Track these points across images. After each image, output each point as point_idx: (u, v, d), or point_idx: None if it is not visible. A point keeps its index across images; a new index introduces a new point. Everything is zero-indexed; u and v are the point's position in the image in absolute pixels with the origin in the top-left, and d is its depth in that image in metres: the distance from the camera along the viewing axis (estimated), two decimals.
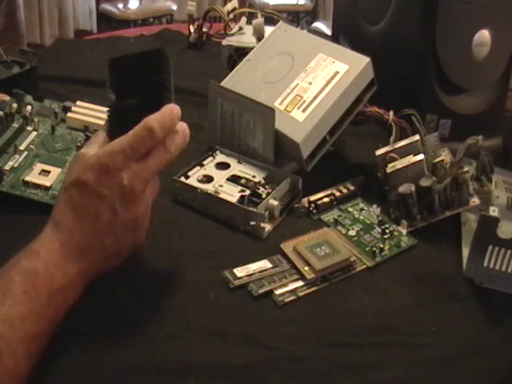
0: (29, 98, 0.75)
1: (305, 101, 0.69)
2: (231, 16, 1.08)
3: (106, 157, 0.48)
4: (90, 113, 0.74)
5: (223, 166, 0.70)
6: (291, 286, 0.55)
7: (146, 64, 0.52)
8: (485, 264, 0.56)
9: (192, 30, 1.16)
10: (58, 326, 0.46)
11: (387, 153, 0.66)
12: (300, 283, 0.56)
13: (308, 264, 0.57)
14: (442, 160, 0.64)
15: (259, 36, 0.90)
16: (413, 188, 0.62)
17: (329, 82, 0.69)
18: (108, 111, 0.51)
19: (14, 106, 0.71)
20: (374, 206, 0.67)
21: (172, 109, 0.50)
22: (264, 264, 0.57)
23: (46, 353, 0.45)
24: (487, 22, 0.72)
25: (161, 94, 0.51)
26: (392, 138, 0.68)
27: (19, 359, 0.42)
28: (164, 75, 0.52)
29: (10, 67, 0.81)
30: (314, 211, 0.66)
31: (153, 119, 0.49)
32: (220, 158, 0.72)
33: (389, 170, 0.65)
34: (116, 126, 0.51)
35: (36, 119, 0.72)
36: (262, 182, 0.67)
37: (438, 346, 0.51)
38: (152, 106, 0.50)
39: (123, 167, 0.48)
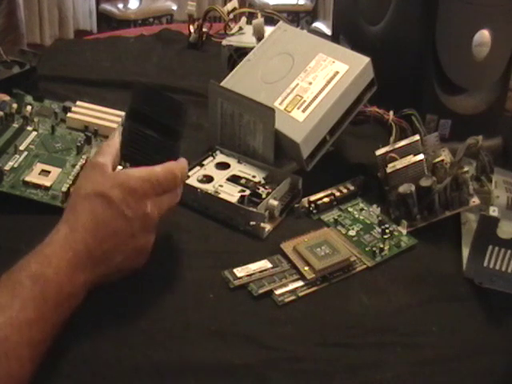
0: (29, 98, 0.75)
1: (305, 101, 0.69)
2: (231, 16, 1.08)
3: (137, 181, 0.51)
4: (90, 113, 0.74)
5: (223, 165, 0.70)
6: (291, 286, 0.55)
7: (172, 109, 0.56)
8: (485, 264, 0.56)
9: (192, 30, 1.16)
10: (61, 330, 0.46)
11: (387, 153, 0.66)
12: (300, 283, 0.56)
13: (308, 264, 0.57)
14: (442, 160, 0.64)
15: (259, 36, 0.90)
16: (413, 188, 0.62)
17: (329, 82, 0.69)
18: (123, 129, 0.54)
19: (14, 106, 0.71)
20: (374, 206, 0.67)
21: (186, 163, 0.56)
22: (264, 264, 0.57)
23: (47, 354, 0.45)
24: (487, 22, 0.72)
25: (176, 144, 0.56)
26: (392, 138, 0.68)
27: (25, 363, 0.43)
28: (183, 128, 0.56)
29: (10, 67, 0.81)
30: (314, 211, 0.66)
31: (178, 168, 0.54)
32: (220, 157, 0.72)
33: (389, 170, 0.65)
34: (130, 148, 0.53)
35: (36, 119, 0.72)
36: (262, 181, 0.67)
37: (438, 346, 0.51)
38: (164, 149, 0.54)
39: (148, 196, 0.51)
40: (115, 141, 0.54)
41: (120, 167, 0.54)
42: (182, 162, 0.55)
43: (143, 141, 0.54)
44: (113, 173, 0.52)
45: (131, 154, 0.53)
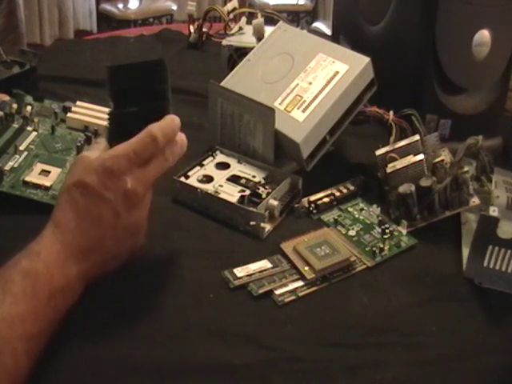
0: (29, 99, 0.75)
1: (305, 101, 0.69)
2: (231, 16, 1.08)
3: (110, 160, 0.49)
4: (90, 113, 0.74)
5: (223, 165, 0.70)
6: (291, 286, 0.55)
7: (147, 73, 0.53)
8: (485, 264, 0.56)
9: (192, 30, 1.16)
10: (58, 326, 0.46)
11: (387, 153, 0.66)
12: (300, 283, 0.56)
13: (308, 264, 0.57)
14: (442, 160, 0.64)
15: (259, 36, 0.90)
16: (413, 188, 0.62)
17: (329, 82, 0.69)
18: (108, 118, 0.52)
19: (14, 106, 0.71)
20: (374, 205, 0.67)
21: (173, 119, 0.52)
22: (264, 264, 0.57)
23: (45, 352, 0.45)
24: (487, 22, 0.72)
25: (160, 104, 0.52)
26: (392, 138, 0.68)
27: (19, 358, 0.42)
28: (164, 85, 0.53)
29: (10, 67, 0.81)
30: (314, 211, 0.66)
31: (156, 127, 0.50)
32: (220, 157, 0.72)
33: (389, 170, 0.65)
34: (115, 133, 0.52)
35: (36, 119, 0.72)
36: (262, 181, 0.67)
37: (438, 346, 0.51)
38: (151, 115, 0.51)
39: (127, 171, 0.49)
40: (100, 144, 0.53)
41: None
42: (165, 120, 0.51)
43: (123, 121, 0.52)
44: (90, 160, 0.50)
45: (116, 139, 0.51)
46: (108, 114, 0.52)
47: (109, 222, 0.49)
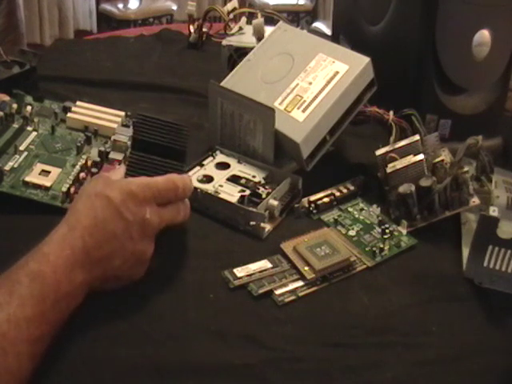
0: (29, 99, 0.75)
1: (305, 101, 0.69)
2: (231, 16, 1.08)
3: (137, 186, 0.51)
4: (90, 113, 0.74)
5: (223, 165, 0.70)
6: (291, 286, 0.55)
7: (173, 132, 0.57)
8: (485, 264, 0.56)
9: (192, 30, 1.16)
10: (60, 330, 0.46)
11: (387, 153, 0.66)
12: (300, 283, 0.56)
13: (308, 264, 0.57)
14: (442, 160, 0.64)
15: (259, 36, 0.90)
16: (413, 188, 0.62)
17: (329, 82, 0.69)
18: (130, 156, 0.56)
19: (14, 106, 0.71)
20: (374, 205, 0.67)
21: (190, 179, 0.57)
22: (264, 264, 0.57)
23: (46, 353, 0.45)
24: (487, 22, 0.72)
25: (179, 162, 0.57)
26: (392, 138, 0.68)
27: (23, 360, 0.43)
28: (185, 148, 0.58)
29: (10, 67, 0.81)
30: (314, 211, 0.66)
31: (179, 178, 0.54)
32: (220, 157, 0.72)
33: (389, 170, 0.65)
34: (134, 172, 0.55)
35: (36, 119, 0.72)
36: (262, 181, 0.67)
37: (438, 346, 0.51)
38: (168, 168, 0.55)
39: (148, 202, 0.51)
40: (120, 170, 0.56)
41: None
42: (185, 176, 0.56)
43: (146, 164, 0.55)
44: (114, 179, 0.52)
45: (135, 175, 0.54)
46: (130, 154, 0.56)
47: (122, 240, 0.50)
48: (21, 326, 0.43)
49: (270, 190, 0.65)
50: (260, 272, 0.56)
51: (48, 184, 0.64)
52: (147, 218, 0.51)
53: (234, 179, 0.67)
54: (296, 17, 3.31)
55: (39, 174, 0.65)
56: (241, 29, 0.97)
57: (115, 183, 0.51)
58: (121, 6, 3.09)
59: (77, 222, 0.49)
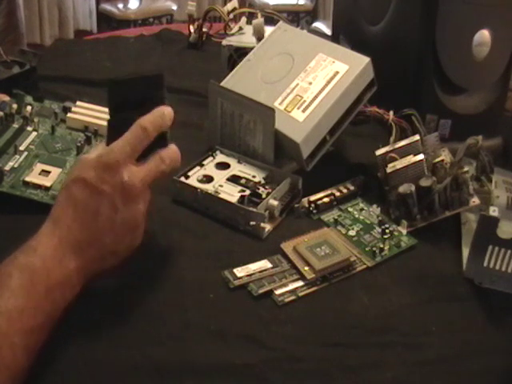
0: (29, 99, 0.75)
1: (305, 101, 0.69)
2: (231, 16, 1.08)
3: (106, 155, 0.50)
4: (90, 113, 0.74)
5: (223, 165, 0.70)
6: (291, 286, 0.55)
7: (145, 85, 0.54)
8: (485, 264, 0.56)
9: (192, 30, 1.16)
10: (56, 322, 0.46)
11: (387, 153, 0.66)
12: (300, 283, 0.56)
13: (308, 264, 0.57)
14: (442, 160, 0.64)
15: (259, 36, 0.90)
16: (413, 188, 0.62)
17: (329, 82, 0.69)
18: (107, 125, 0.53)
19: (14, 106, 0.72)
20: (374, 205, 0.67)
21: (162, 109, 0.53)
22: (264, 264, 0.57)
23: (45, 352, 0.45)
24: (487, 22, 0.72)
25: (157, 93, 0.54)
26: (392, 138, 0.68)
27: (17, 352, 0.43)
28: (162, 93, 0.55)
29: (10, 67, 0.81)
30: (314, 211, 0.66)
31: (144, 119, 0.52)
32: (220, 157, 0.72)
33: (389, 170, 0.65)
34: (114, 137, 0.52)
35: (36, 119, 0.72)
36: (262, 181, 0.67)
37: (438, 346, 0.51)
38: (151, 104, 0.53)
39: (123, 164, 0.50)
40: (99, 146, 0.53)
41: None
42: (154, 111, 0.53)
43: (121, 124, 0.52)
44: (88, 158, 0.51)
45: (114, 141, 0.52)
46: (107, 122, 0.54)
47: (106, 215, 0.49)
48: (13, 317, 0.43)
49: (269, 190, 0.65)
50: (260, 272, 0.56)
51: (48, 184, 0.64)
52: (125, 180, 0.49)
53: (234, 179, 0.67)
54: (296, 17, 3.31)
55: (39, 174, 0.65)
56: (241, 29, 0.97)
57: (88, 162, 0.50)
58: (121, 6, 3.09)
59: (60, 212, 0.49)
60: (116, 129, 0.52)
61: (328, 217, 0.65)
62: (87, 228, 0.49)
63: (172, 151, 0.54)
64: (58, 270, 0.47)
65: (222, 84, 0.75)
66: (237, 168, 0.70)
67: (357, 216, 0.66)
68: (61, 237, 0.48)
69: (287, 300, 0.54)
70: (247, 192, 0.65)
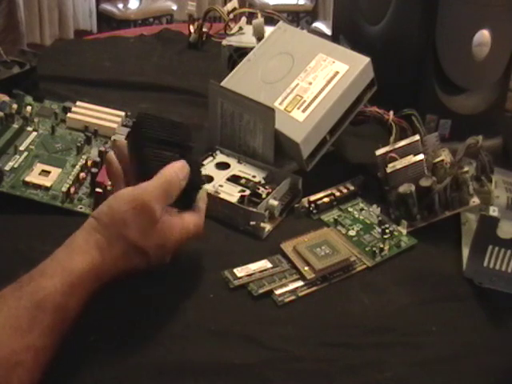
0: (29, 99, 0.75)
1: (305, 101, 0.69)
2: (231, 16, 1.08)
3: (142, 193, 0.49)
4: (90, 113, 0.74)
5: (223, 165, 0.70)
6: (291, 286, 0.55)
7: (178, 129, 0.56)
8: (485, 264, 0.56)
9: (192, 30, 1.16)
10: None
11: (387, 153, 0.66)
12: (300, 283, 0.56)
13: (308, 264, 0.57)
14: (442, 160, 0.64)
15: (259, 36, 0.90)
16: (413, 188, 0.62)
17: (329, 82, 0.69)
18: (143, 153, 0.53)
19: (14, 106, 0.72)
20: (374, 206, 0.67)
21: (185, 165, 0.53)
22: (264, 264, 0.57)
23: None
24: (487, 22, 0.72)
25: (187, 155, 0.54)
26: (392, 138, 0.68)
27: (34, 372, 0.42)
28: (191, 143, 0.56)
29: (10, 67, 0.81)
30: (314, 211, 0.66)
31: (170, 168, 0.51)
32: (220, 157, 0.72)
33: (389, 170, 0.65)
34: (153, 169, 0.52)
35: (36, 120, 0.72)
36: (262, 182, 0.67)
37: (438, 346, 0.51)
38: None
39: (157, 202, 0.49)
40: (123, 191, 0.51)
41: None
42: (178, 163, 0.53)
43: (164, 161, 0.52)
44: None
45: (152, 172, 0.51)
46: (139, 152, 0.53)
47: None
48: (39, 355, 0.43)
49: (269, 190, 0.65)
50: (260, 272, 0.56)
51: (48, 184, 0.64)
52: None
53: (234, 179, 0.67)
54: (296, 17, 3.30)
55: (39, 174, 0.65)
56: (241, 29, 0.97)
57: (132, 223, 0.49)
58: (121, 6, 3.09)
59: (107, 258, 0.48)
60: (155, 161, 0.52)
61: (328, 217, 0.65)
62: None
63: (195, 217, 0.54)
64: (81, 307, 0.46)
65: (222, 84, 0.75)
66: (237, 168, 0.70)
67: (357, 216, 0.66)
68: (99, 279, 0.48)
69: (287, 300, 0.54)
70: (247, 192, 0.65)
